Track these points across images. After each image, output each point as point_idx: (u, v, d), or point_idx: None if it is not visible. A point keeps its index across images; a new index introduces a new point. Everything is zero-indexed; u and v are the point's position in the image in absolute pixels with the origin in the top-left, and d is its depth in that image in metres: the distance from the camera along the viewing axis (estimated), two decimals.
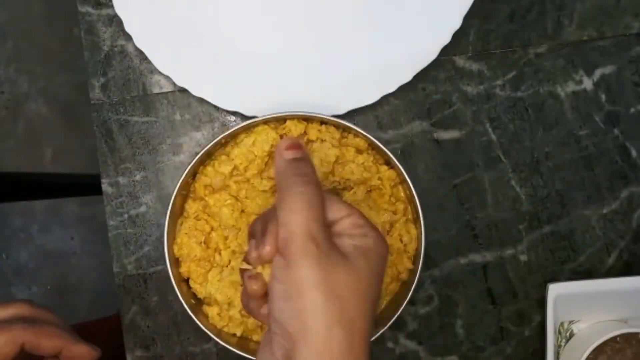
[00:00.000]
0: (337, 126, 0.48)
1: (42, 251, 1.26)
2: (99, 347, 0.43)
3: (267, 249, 0.34)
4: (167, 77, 0.53)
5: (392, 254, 0.48)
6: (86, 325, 0.72)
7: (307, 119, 0.48)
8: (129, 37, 0.52)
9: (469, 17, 0.52)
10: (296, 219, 0.33)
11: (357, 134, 0.48)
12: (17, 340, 0.40)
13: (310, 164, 0.37)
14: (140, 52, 0.53)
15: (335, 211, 0.36)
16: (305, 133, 0.48)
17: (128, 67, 0.54)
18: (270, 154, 0.48)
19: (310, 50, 0.53)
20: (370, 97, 0.52)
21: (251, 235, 0.38)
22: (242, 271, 0.37)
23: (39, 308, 0.44)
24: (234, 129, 0.47)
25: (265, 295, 0.36)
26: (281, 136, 0.48)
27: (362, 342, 0.33)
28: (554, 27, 0.55)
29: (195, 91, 0.52)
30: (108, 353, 0.45)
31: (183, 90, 0.53)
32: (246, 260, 0.37)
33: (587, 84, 0.54)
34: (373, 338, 0.46)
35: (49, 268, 1.26)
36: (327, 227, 0.35)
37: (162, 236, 0.48)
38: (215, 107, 0.53)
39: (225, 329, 0.48)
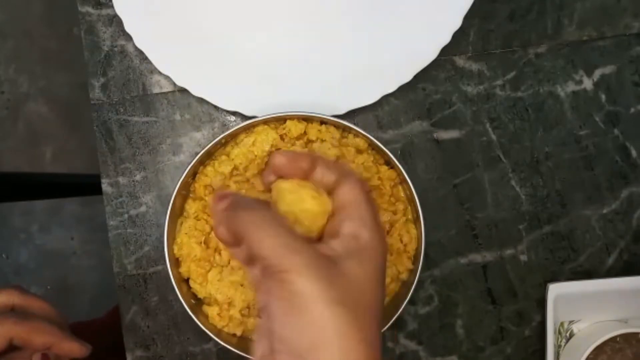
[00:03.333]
0: (337, 126, 0.48)
1: (42, 251, 1.26)
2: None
3: None
4: (167, 77, 0.53)
5: (392, 254, 0.48)
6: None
7: (307, 119, 0.48)
8: (129, 37, 0.52)
9: (469, 17, 0.52)
10: (265, 243, 0.32)
11: (357, 134, 0.48)
12: (7, 335, 0.41)
13: (242, 197, 0.36)
14: (140, 52, 0.53)
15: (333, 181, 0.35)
16: (305, 133, 0.48)
17: (128, 67, 0.54)
18: (271, 154, 0.48)
19: (310, 50, 0.53)
20: (370, 97, 0.52)
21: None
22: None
23: (29, 295, 0.43)
24: (234, 129, 0.47)
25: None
26: (281, 136, 0.48)
27: (375, 348, 0.31)
28: (554, 27, 0.55)
29: (195, 91, 0.52)
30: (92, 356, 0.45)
31: (183, 90, 0.53)
32: None
33: (587, 84, 0.54)
34: None
35: (49, 268, 1.26)
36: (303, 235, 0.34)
37: (162, 236, 0.48)
38: (215, 107, 0.53)
39: (225, 329, 0.48)
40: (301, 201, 0.35)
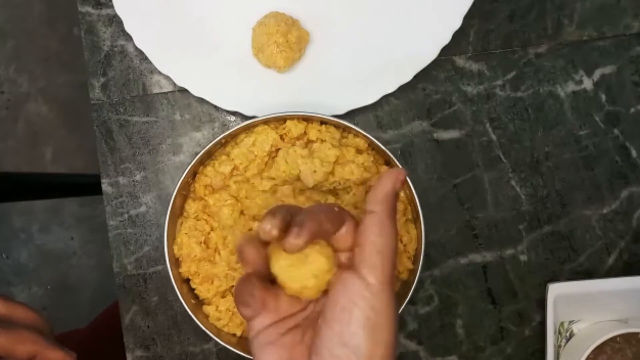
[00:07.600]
0: (337, 126, 0.48)
1: (42, 251, 1.26)
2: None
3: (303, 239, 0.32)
4: (167, 77, 0.53)
5: None
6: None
7: (307, 119, 0.48)
8: (129, 37, 0.52)
9: (469, 17, 0.52)
10: (391, 245, 0.33)
11: (357, 134, 0.48)
12: None
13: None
14: (140, 52, 0.53)
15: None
16: (305, 133, 0.48)
17: (128, 67, 0.54)
18: (270, 154, 0.48)
19: (310, 50, 0.53)
20: (370, 97, 0.52)
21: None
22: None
23: (13, 303, 0.43)
24: (234, 129, 0.47)
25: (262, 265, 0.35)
26: (281, 136, 0.48)
27: None
28: (554, 27, 0.55)
29: (195, 91, 0.52)
30: None
31: (183, 90, 0.53)
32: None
33: (587, 84, 0.54)
34: None
35: (49, 268, 1.26)
36: None
37: (162, 236, 0.48)
38: (215, 107, 0.53)
39: (225, 329, 0.48)
40: (310, 263, 0.34)
